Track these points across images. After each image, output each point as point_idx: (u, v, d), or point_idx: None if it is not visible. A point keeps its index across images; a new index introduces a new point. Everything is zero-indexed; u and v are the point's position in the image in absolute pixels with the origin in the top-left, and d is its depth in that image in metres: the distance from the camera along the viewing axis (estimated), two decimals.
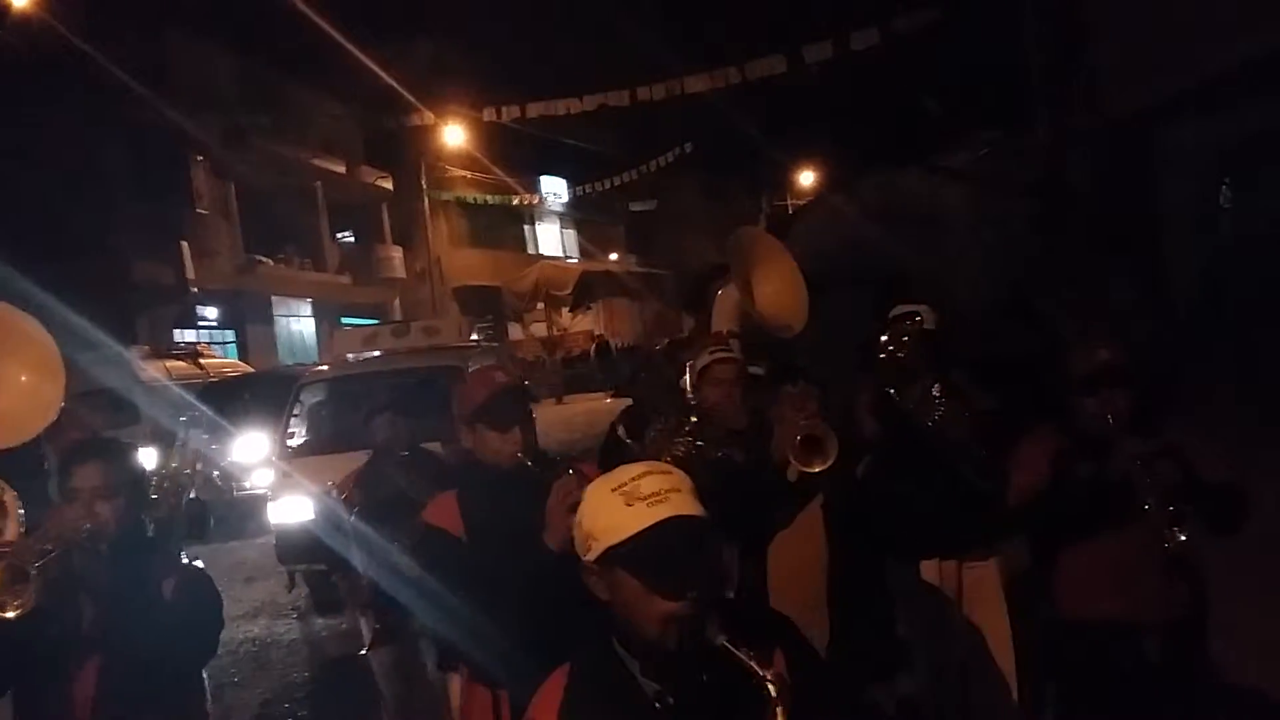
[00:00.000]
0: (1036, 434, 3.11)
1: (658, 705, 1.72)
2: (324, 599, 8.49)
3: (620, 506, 1.73)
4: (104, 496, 2.68)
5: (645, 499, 1.72)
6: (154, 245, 18.94)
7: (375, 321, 20.80)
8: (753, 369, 3.72)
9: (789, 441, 2.86)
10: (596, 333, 29.80)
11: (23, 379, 4.03)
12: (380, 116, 25.31)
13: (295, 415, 9.35)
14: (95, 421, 4.40)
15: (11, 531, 4.59)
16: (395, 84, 20.73)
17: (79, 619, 2.61)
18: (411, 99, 21.66)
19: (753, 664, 1.64)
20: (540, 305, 27.66)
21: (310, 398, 9.42)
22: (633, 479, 1.76)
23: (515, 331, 29.48)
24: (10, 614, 2.34)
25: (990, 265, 8.85)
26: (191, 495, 4.37)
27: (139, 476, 2.86)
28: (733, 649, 1.65)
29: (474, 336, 12.06)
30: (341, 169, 26.29)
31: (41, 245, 13.75)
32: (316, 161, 25.26)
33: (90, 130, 17.29)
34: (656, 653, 1.73)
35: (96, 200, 17.00)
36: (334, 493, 4.77)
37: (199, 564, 3.16)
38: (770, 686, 1.63)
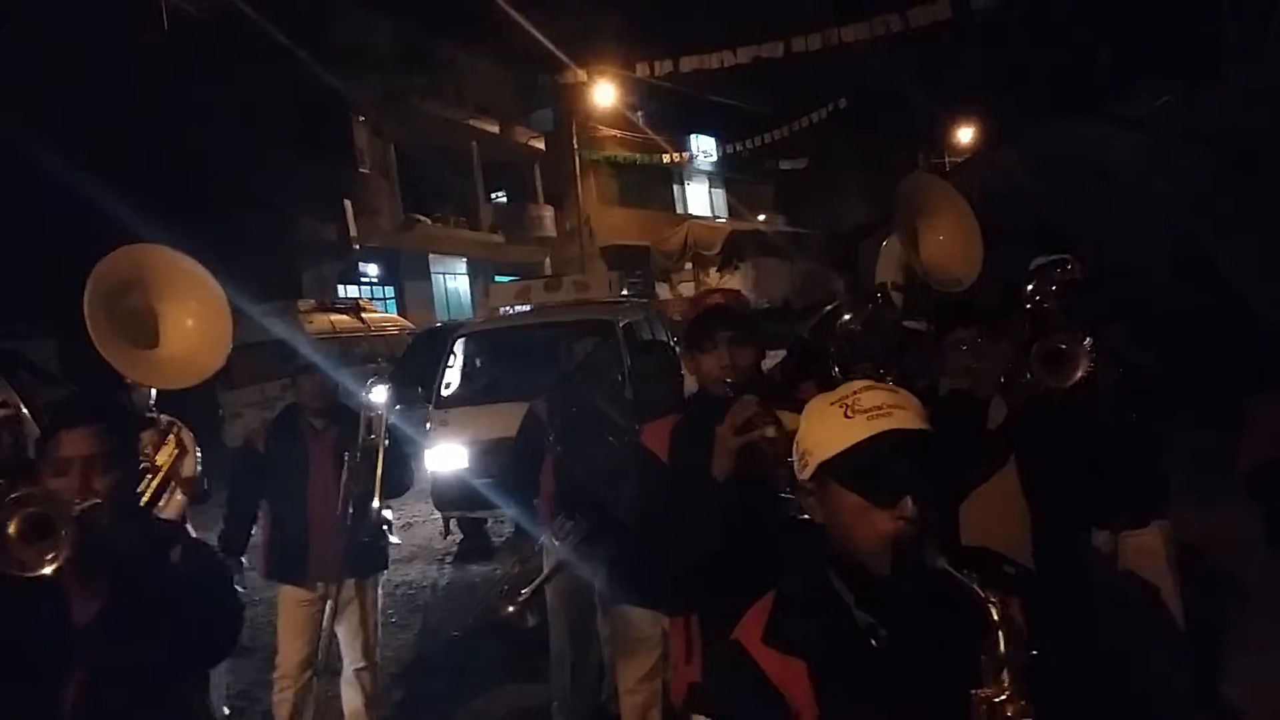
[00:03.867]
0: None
1: (872, 640, 1.63)
2: (477, 545, 8.75)
3: (839, 419, 1.66)
4: (99, 468, 2.26)
5: (866, 412, 1.64)
6: (319, 204, 19.71)
7: None
8: (910, 324, 3.60)
9: (994, 372, 2.71)
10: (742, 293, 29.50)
11: (190, 324, 4.21)
12: (533, 76, 25.56)
13: (450, 367, 9.59)
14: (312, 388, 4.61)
15: (189, 468, 4.91)
16: (547, 42, 20.86)
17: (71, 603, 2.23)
18: (563, 57, 21.77)
19: (975, 587, 1.54)
20: (688, 265, 27.59)
21: (465, 350, 9.64)
22: (854, 393, 1.69)
23: (663, 291, 29.54)
24: (43, 567, 2.02)
25: (1164, 220, 8.35)
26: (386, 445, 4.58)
27: (132, 443, 2.46)
28: (954, 571, 1.55)
29: (623, 293, 12.09)
30: (495, 129, 26.75)
31: (216, 202, 14.49)
32: (472, 122, 25.77)
33: (259, 92, 18.00)
34: (873, 577, 1.64)
35: (265, 159, 17.74)
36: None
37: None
38: (992, 610, 1.53)
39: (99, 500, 2.19)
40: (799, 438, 1.76)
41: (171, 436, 4.85)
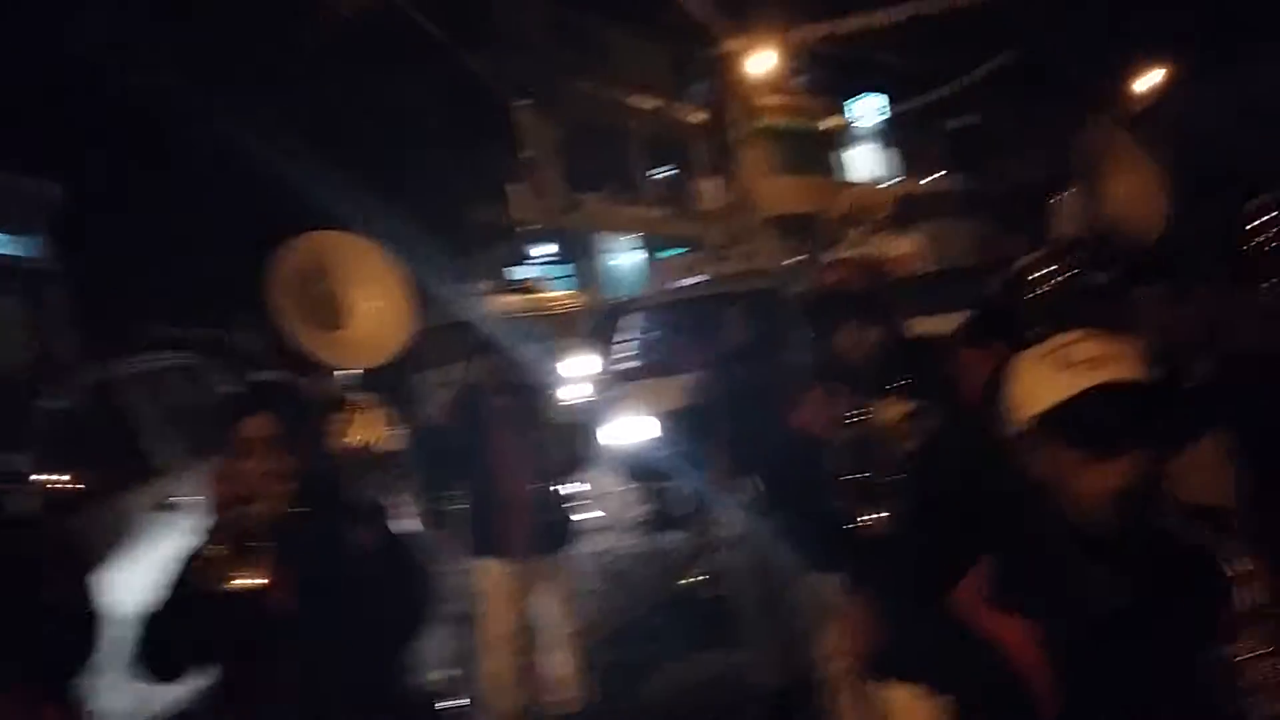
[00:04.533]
0: None
1: (1107, 599, 1.55)
2: (665, 515, 8.87)
3: (1050, 372, 1.60)
4: (280, 448, 2.34)
5: (1080, 364, 1.57)
6: (484, 189, 20.21)
7: None
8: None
9: (1193, 327, 2.55)
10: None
11: (377, 305, 4.35)
12: (689, 48, 25.46)
13: (621, 342, 9.71)
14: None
15: (384, 448, 5.11)
16: (703, 12, 20.73)
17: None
18: (719, 26, 21.60)
19: (1209, 540, 1.46)
20: (856, 230, 27.03)
21: (638, 324, 9.73)
22: (1065, 344, 1.62)
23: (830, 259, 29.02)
24: (248, 582, 2.13)
25: None
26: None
27: (315, 425, 2.53)
28: (1186, 525, 1.49)
29: (791, 261, 11.96)
30: (654, 105, 26.81)
31: (386, 192, 15.04)
32: (630, 100, 25.90)
33: (419, 84, 18.53)
34: (1099, 533, 1.56)
35: (433, 147, 18.28)
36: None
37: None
38: (1227, 563, 1.44)
39: (286, 481, 2.29)
40: (1010, 393, 1.68)
41: (370, 416, 5.07)
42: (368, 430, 5.01)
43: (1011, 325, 3.42)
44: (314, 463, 2.41)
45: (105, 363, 5.84)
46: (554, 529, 4.64)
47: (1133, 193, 3.89)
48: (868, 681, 2.84)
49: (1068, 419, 1.56)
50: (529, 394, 4.72)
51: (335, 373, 4.95)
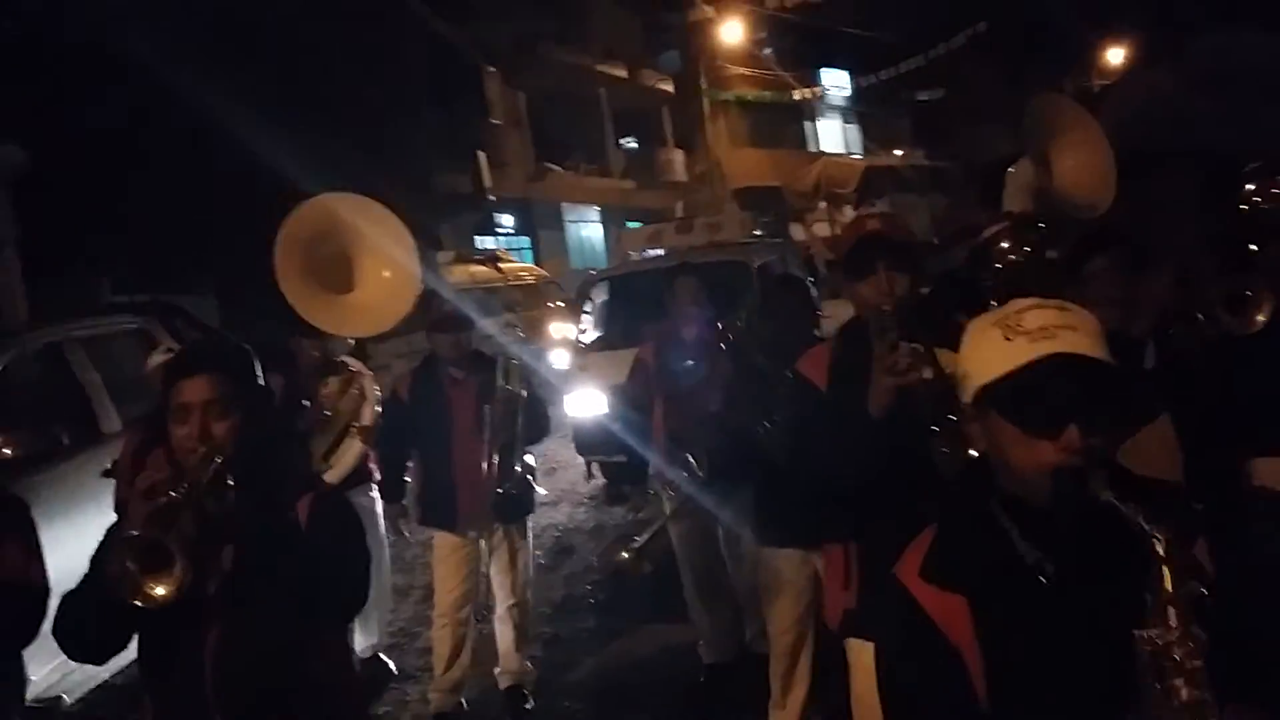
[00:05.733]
0: None
1: (1038, 575, 1.54)
2: (618, 489, 8.85)
3: (998, 341, 1.56)
4: (219, 415, 2.21)
5: (1029, 333, 1.53)
6: (452, 156, 19.99)
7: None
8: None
9: (1149, 306, 2.56)
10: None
11: (385, 274, 4.29)
12: (659, 16, 25.27)
13: (586, 313, 9.65)
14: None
15: (369, 416, 4.98)
16: None
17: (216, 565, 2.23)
18: None
19: (1140, 520, 1.42)
20: (822, 204, 27.03)
21: (599, 296, 9.67)
22: (1017, 311, 1.57)
23: (797, 231, 29.07)
24: (161, 591, 2.00)
25: None
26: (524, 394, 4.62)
27: (260, 388, 2.36)
28: (1119, 505, 1.43)
29: (755, 233, 11.93)
30: (623, 74, 26.62)
31: (351, 156, 14.81)
32: (600, 68, 25.69)
33: (390, 46, 18.25)
34: (1035, 510, 1.54)
35: (398, 114, 18.03)
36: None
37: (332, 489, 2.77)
38: (1157, 544, 1.40)
39: (222, 450, 2.18)
40: (959, 359, 1.66)
41: (353, 383, 5.01)
42: (359, 397, 4.99)
43: (975, 297, 3.43)
44: (256, 429, 2.30)
45: (54, 326, 5.71)
46: (508, 501, 4.60)
47: (1081, 164, 3.89)
48: (837, 638, 2.84)
49: (1010, 392, 1.53)
50: (487, 365, 4.67)
51: (342, 337, 4.91)
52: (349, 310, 4.27)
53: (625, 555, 3.78)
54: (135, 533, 2.04)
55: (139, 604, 2.01)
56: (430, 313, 4.71)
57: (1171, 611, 1.38)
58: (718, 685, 4.83)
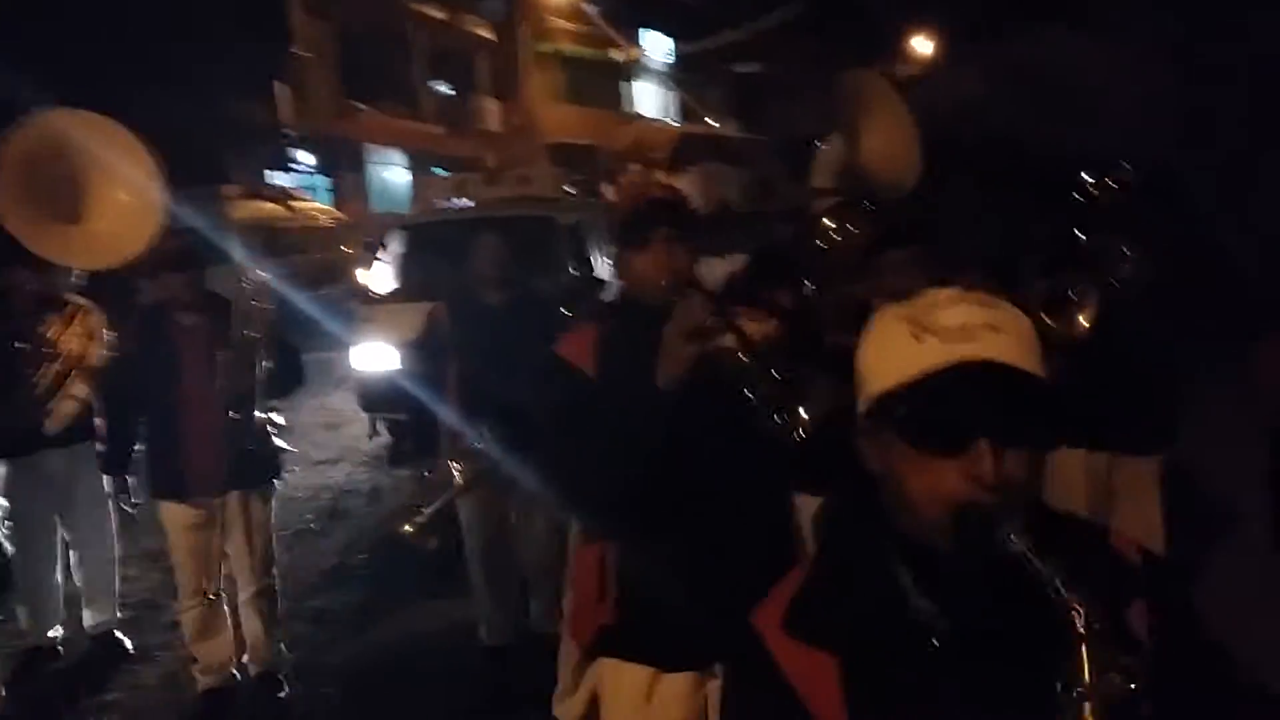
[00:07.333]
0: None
1: (929, 635, 1.21)
2: (404, 449, 8.37)
3: (904, 339, 1.22)
4: None
5: (942, 333, 1.20)
6: (247, 82, 18.62)
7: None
8: None
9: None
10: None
11: (123, 198, 3.96)
12: None
13: (380, 260, 9.10)
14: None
15: (95, 357, 4.48)
16: None
17: None
18: None
19: (1055, 584, 1.10)
20: (635, 166, 27.02)
21: (396, 245, 9.12)
22: (931, 304, 1.23)
23: (609, 192, 29.00)
24: None
25: (1133, 140, 8.03)
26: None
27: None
28: (1032, 559, 1.12)
29: (567, 189, 11.61)
30: (442, 15, 25.69)
31: (131, 75, 13.50)
32: (416, 6, 24.67)
33: None
34: (932, 553, 1.21)
35: (189, 31, 16.64)
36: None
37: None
38: (1075, 617, 1.09)
39: None
40: (857, 356, 1.32)
41: (78, 321, 4.47)
42: (84, 338, 4.42)
43: (794, 271, 3.22)
44: None
45: None
46: (242, 466, 4.03)
47: (887, 143, 3.79)
48: (589, 655, 2.54)
49: (911, 405, 1.21)
50: (221, 308, 4.08)
51: (73, 270, 4.43)
52: (78, 239, 3.87)
53: (409, 529, 3.38)
54: None
55: None
56: (159, 248, 4.10)
57: (1086, 709, 1.07)
58: (497, 670, 4.51)
